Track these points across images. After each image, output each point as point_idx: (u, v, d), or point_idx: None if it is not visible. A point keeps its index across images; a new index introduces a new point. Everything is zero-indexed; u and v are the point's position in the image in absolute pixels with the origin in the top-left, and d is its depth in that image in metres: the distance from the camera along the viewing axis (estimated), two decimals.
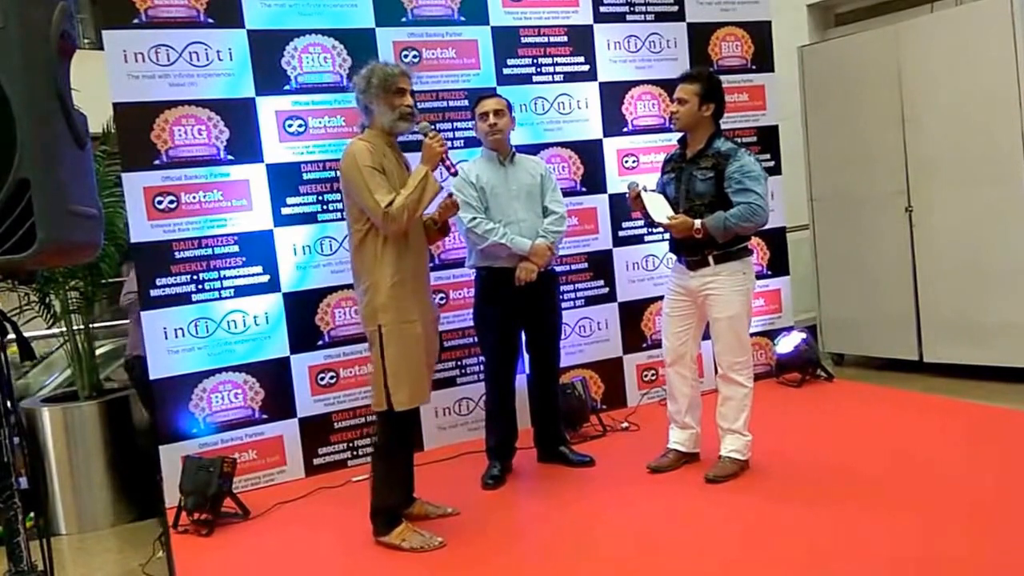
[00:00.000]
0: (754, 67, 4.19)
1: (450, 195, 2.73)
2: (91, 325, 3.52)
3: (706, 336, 3.02)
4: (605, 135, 3.88)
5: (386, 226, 2.41)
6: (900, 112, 4.28)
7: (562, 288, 3.54)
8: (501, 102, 3.04)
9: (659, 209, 2.88)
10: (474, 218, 2.97)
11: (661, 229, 3.06)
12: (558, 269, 3.35)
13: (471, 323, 3.31)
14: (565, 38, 3.78)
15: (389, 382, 2.44)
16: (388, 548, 2.50)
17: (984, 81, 3.94)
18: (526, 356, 3.20)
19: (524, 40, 3.70)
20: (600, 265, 3.87)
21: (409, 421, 2.54)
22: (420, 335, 2.49)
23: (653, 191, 2.98)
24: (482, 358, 3.35)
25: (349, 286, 3.23)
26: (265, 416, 3.25)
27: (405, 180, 2.52)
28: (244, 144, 3.20)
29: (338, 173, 3.27)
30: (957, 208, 4.12)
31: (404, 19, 3.47)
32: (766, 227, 3.08)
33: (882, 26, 4.61)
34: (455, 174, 2.66)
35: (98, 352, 3.75)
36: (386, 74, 2.47)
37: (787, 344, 4.15)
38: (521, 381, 3.22)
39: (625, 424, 3.63)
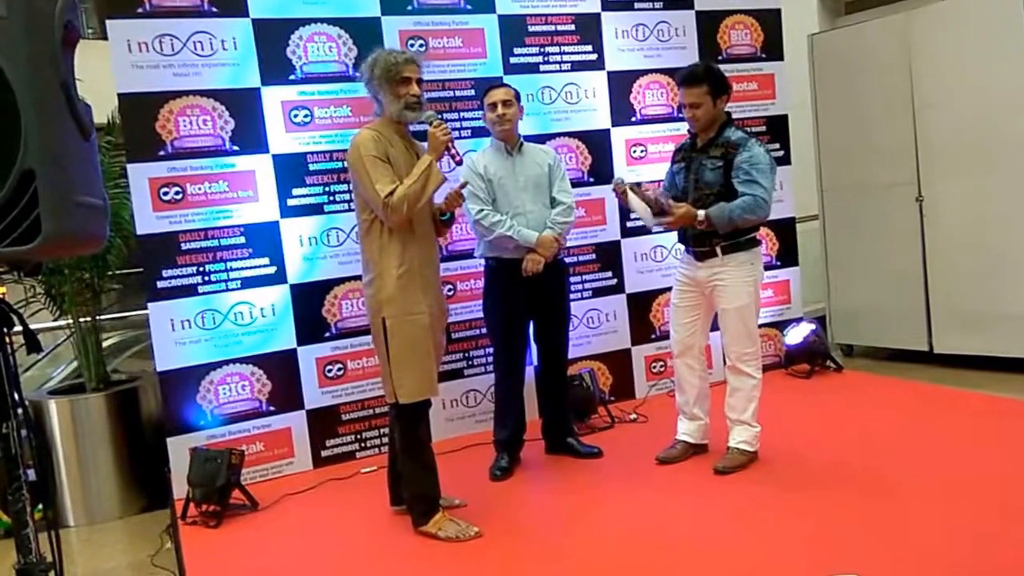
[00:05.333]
0: (763, 56, 4.14)
1: (463, 185, 2.71)
2: (98, 317, 3.52)
3: (715, 327, 3.00)
4: (613, 125, 3.85)
5: (387, 216, 2.38)
6: (911, 101, 4.22)
7: (570, 279, 3.52)
8: (509, 92, 3.01)
9: (642, 211, 2.82)
10: (481, 209, 2.95)
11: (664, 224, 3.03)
12: (566, 260, 3.33)
13: (479, 315, 3.30)
14: (572, 26, 3.74)
15: (394, 375, 2.43)
16: (425, 537, 2.50)
17: (996, 69, 3.88)
18: (534, 347, 3.19)
19: (531, 29, 3.66)
20: (608, 256, 3.85)
21: (421, 412, 2.53)
22: (427, 327, 2.47)
23: (639, 186, 2.91)
24: (490, 349, 3.34)
25: (356, 277, 3.23)
26: (272, 408, 3.25)
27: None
28: (249, 134, 3.18)
29: (345, 163, 3.27)
30: (968, 198, 4.07)
31: (410, 7, 3.44)
32: (776, 217, 3.06)
33: (893, 14, 4.54)
34: (460, 163, 2.63)
35: (105, 344, 3.74)
36: (389, 63, 2.43)
37: (796, 335, 4.13)
38: (529, 372, 3.21)
39: (633, 415, 3.62)
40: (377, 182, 2.35)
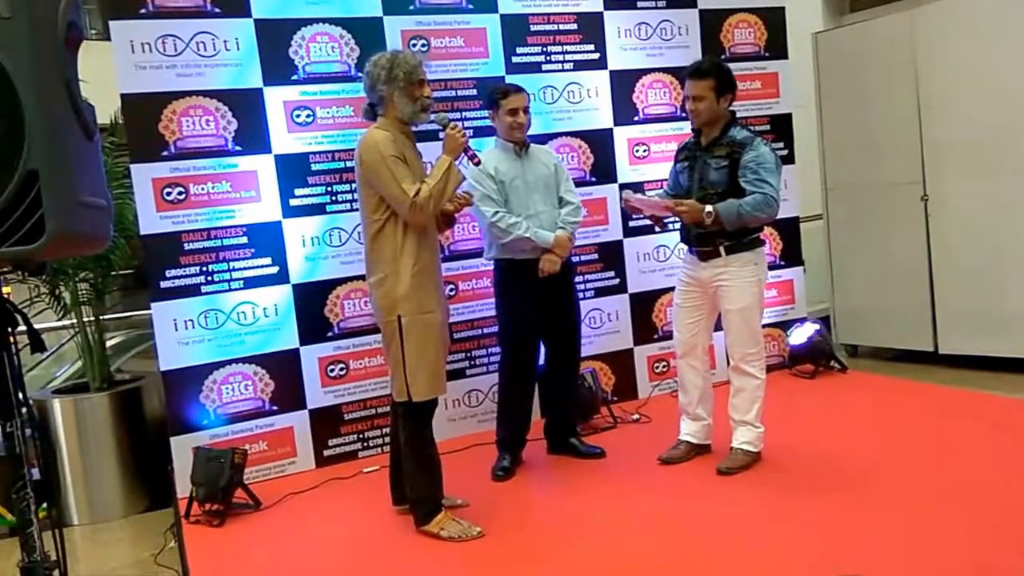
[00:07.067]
0: (767, 54, 4.13)
1: (468, 194, 2.75)
2: (101, 317, 3.53)
3: (718, 327, 2.99)
4: (615, 124, 3.84)
5: (412, 215, 2.41)
6: (916, 99, 4.21)
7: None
8: (526, 98, 3.02)
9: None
10: (496, 212, 2.95)
11: (672, 219, 3.04)
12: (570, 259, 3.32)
13: (480, 314, 3.31)
14: (575, 25, 3.73)
15: (408, 373, 2.44)
16: (427, 537, 2.50)
17: (1001, 67, 3.87)
18: (543, 348, 3.17)
19: (533, 28, 3.66)
20: (610, 256, 3.84)
21: (430, 411, 2.54)
22: (438, 325, 2.50)
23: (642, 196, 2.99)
24: (492, 349, 3.35)
25: (358, 277, 3.23)
26: (275, 408, 3.26)
27: (420, 169, 2.52)
28: (252, 135, 3.19)
29: (347, 164, 3.28)
30: (973, 197, 4.05)
31: (412, 7, 3.44)
32: (780, 217, 3.05)
33: (898, 11, 4.53)
34: (478, 163, 2.68)
35: (108, 344, 3.76)
36: (411, 66, 2.46)
37: (800, 335, 4.12)
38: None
39: (636, 416, 3.62)
40: (402, 181, 2.38)
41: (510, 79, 3.46)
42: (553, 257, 2.95)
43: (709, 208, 2.73)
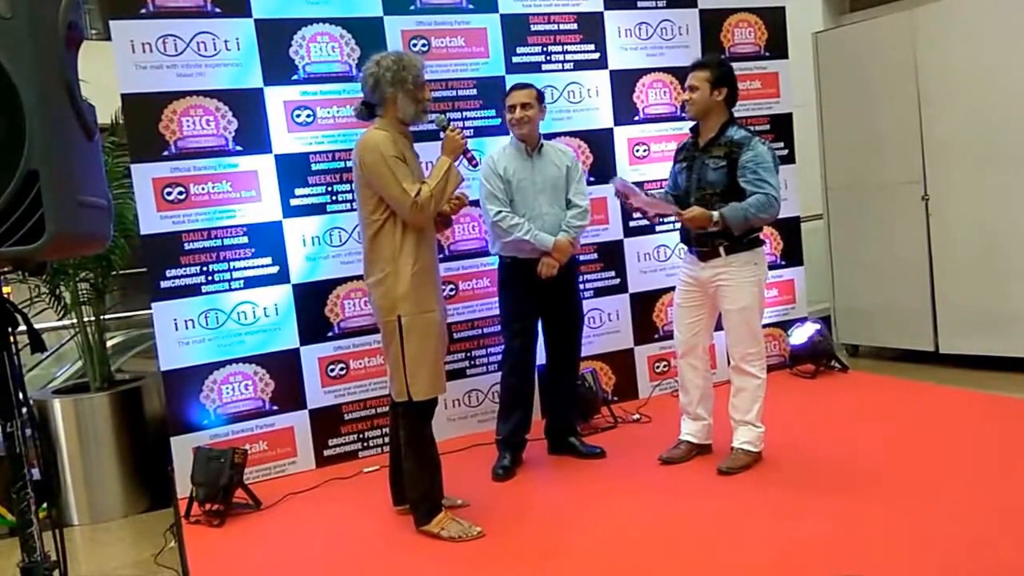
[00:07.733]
0: (768, 54, 4.13)
1: (464, 195, 2.77)
2: (101, 317, 3.53)
3: (719, 327, 2.99)
4: (616, 124, 3.84)
5: (413, 216, 2.42)
6: (916, 99, 4.21)
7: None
8: (531, 93, 3.02)
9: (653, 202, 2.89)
10: (500, 211, 2.96)
11: (669, 217, 3.05)
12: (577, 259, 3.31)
13: (480, 314, 3.32)
14: (575, 25, 3.73)
15: (408, 373, 2.44)
16: (428, 537, 2.51)
17: (1002, 67, 3.86)
18: (544, 347, 3.18)
19: (533, 28, 3.66)
20: (611, 256, 3.84)
21: (430, 410, 2.54)
22: (438, 324, 2.51)
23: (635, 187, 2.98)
24: (492, 349, 3.35)
25: (359, 277, 3.22)
26: (275, 407, 3.26)
27: (419, 170, 2.53)
28: (252, 134, 3.19)
29: (348, 164, 3.28)
30: (974, 197, 4.05)
31: (412, 7, 3.44)
32: (780, 216, 3.05)
33: (898, 11, 4.53)
34: (476, 165, 2.70)
35: (109, 344, 3.75)
36: (418, 68, 2.48)
37: (801, 335, 4.12)
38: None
39: (637, 416, 3.62)
40: (403, 181, 2.39)
41: (510, 79, 3.46)
42: (551, 261, 2.96)
43: (715, 215, 2.74)
